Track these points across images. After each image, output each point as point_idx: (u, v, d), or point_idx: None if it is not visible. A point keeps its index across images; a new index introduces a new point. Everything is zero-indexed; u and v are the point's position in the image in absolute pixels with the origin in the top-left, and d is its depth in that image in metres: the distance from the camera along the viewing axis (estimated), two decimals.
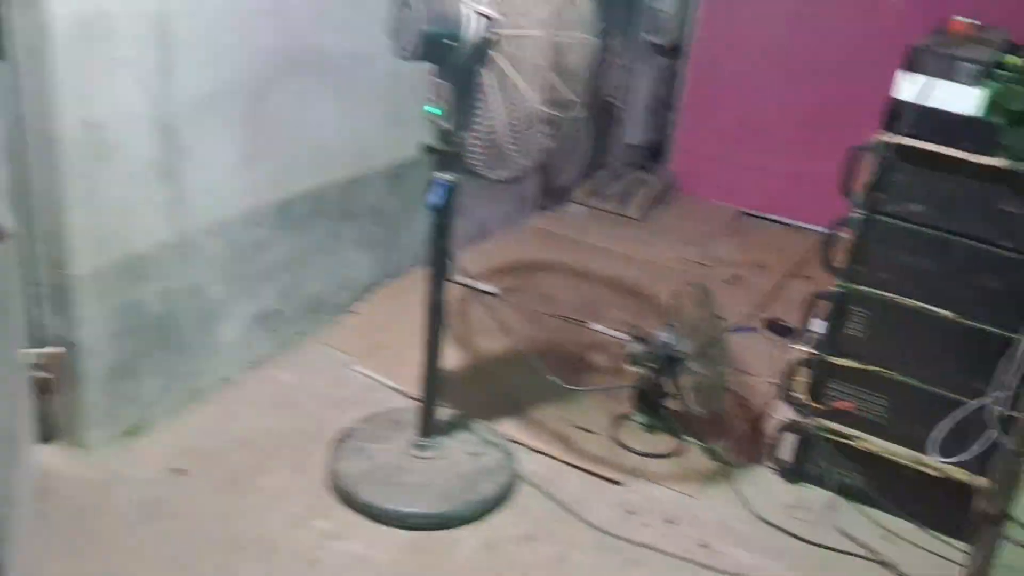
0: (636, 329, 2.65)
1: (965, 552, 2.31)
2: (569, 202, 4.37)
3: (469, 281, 3.49)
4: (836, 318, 2.44)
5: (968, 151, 2.18)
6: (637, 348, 2.61)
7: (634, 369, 2.63)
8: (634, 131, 4.55)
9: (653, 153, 4.67)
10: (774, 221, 4.41)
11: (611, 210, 4.34)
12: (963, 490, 2.32)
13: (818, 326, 3.36)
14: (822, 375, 2.49)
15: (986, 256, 2.23)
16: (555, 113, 2.04)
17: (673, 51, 4.46)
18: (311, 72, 2.70)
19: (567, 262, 3.79)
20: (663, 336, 2.60)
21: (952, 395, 2.32)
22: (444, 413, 2.54)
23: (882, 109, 2.27)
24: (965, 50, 2.21)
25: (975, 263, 2.25)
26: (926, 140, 2.22)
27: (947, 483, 2.35)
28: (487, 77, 2.05)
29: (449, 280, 2.31)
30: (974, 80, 2.15)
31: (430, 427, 2.46)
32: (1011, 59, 2.27)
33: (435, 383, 2.41)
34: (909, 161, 2.25)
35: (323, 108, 2.79)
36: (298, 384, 2.79)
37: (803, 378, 2.53)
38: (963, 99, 2.16)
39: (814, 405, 2.50)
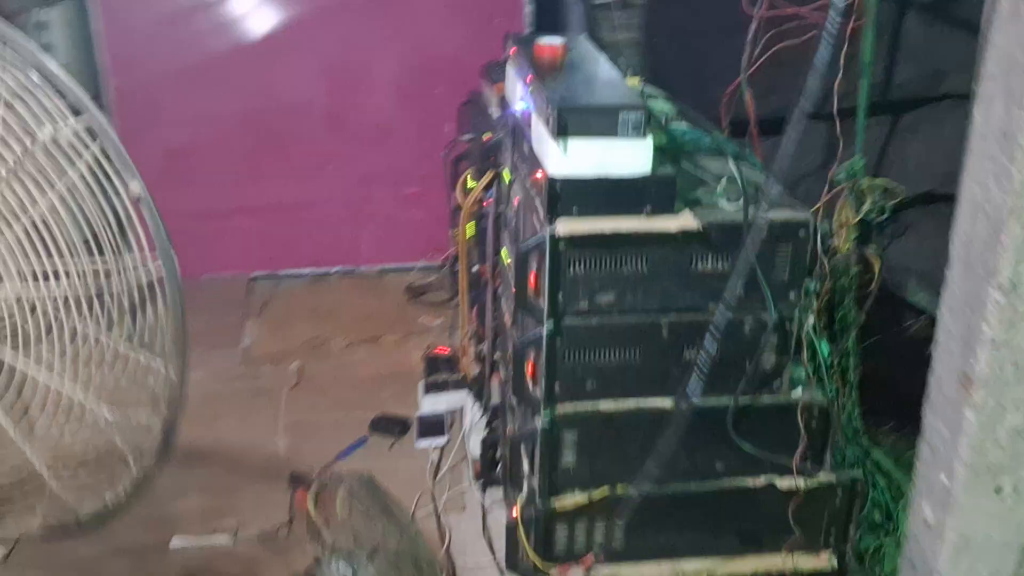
0: None
1: None
2: None
3: None
4: (546, 455, 1.86)
5: (651, 215, 1.72)
6: None
7: None
8: None
9: None
10: (294, 276, 3.63)
11: None
12: None
13: (430, 403, 2.83)
14: (547, 525, 1.92)
15: (697, 327, 1.82)
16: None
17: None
18: None
19: None
20: (337, 572, 1.79)
21: (694, 489, 1.95)
22: None
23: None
24: (620, 95, 1.71)
25: (687, 338, 1.83)
26: (596, 216, 1.71)
27: None
28: None
29: None
30: (637, 131, 1.66)
31: None
32: (630, 81, 1.85)
33: None
34: (583, 247, 1.72)
35: None
36: None
37: (524, 537, 1.94)
38: (628, 157, 1.67)
39: (546, 566, 1.94)
